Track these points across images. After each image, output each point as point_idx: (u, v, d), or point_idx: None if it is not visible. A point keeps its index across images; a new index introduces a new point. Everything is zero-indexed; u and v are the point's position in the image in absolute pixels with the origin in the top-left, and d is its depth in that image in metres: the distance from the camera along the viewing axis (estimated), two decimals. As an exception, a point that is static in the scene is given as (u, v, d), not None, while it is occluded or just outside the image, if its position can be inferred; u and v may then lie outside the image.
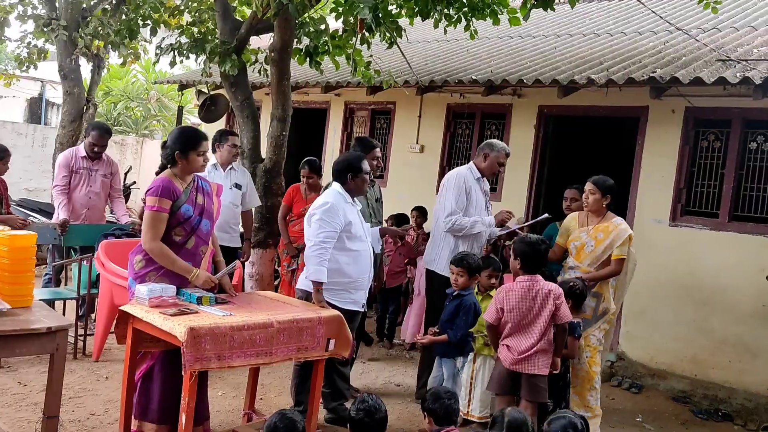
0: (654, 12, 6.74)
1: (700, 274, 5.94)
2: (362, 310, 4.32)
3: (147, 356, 3.72)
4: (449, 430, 3.20)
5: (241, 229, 5.89)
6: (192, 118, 17.92)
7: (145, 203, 3.65)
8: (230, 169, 5.66)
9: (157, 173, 3.85)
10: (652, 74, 5.64)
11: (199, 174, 3.81)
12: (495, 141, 5.27)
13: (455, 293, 4.41)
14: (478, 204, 5.01)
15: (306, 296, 4.18)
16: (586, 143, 8.03)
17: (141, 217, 3.84)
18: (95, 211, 6.21)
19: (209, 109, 9.75)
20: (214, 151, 5.55)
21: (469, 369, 4.58)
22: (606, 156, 7.93)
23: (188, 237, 3.66)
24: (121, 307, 3.51)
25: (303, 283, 4.27)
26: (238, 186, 5.66)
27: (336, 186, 4.25)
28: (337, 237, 4.04)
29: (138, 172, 12.15)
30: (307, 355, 3.64)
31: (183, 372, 3.12)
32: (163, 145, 3.88)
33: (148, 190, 3.61)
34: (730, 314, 5.74)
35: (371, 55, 6.58)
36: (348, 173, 4.23)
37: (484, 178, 5.11)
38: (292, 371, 4.41)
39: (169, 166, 3.72)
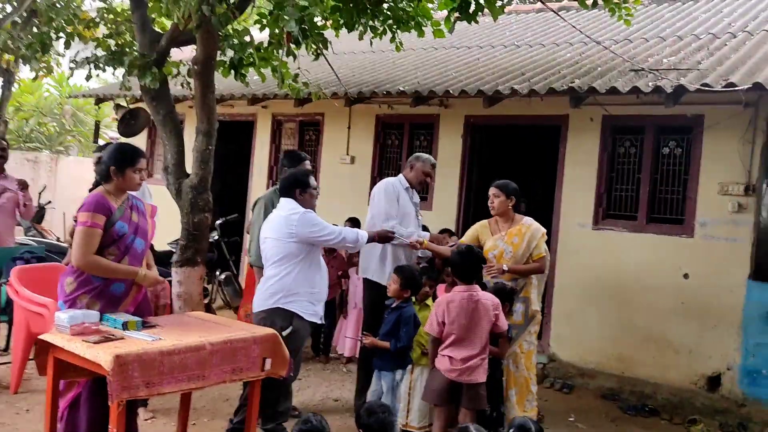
0: (572, 25, 6.99)
1: (622, 275, 6.18)
2: (320, 322, 4.37)
3: (73, 384, 3.55)
4: None
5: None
6: (110, 133, 17.30)
7: (76, 220, 3.50)
8: None
9: (90, 190, 3.72)
10: (571, 84, 5.84)
11: (132, 193, 3.70)
12: (422, 153, 5.37)
13: (394, 305, 4.40)
14: (408, 213, 5.04)
15: (267, 315, 4.14)
16: (512, 151, 8.24)
17: (71, 235, 3.66)
18: (3, 229, 5.89)
19: (129, 123, 9.42)
20: None
21: (407, 380, 4.58)
22: (531, 163, 8.17)
23: (122, 257, 3.54)
24: (41, 336, 3.31)
25: (259, 304, 4.22)
26: None
27: (290, 202, 4.24)
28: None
29: (53, 191, 11.61)
30: (242, 376, 3.53)
31: (109, 402, 2.97)
32: (98, 161, 3.76)
33: (80, 207, 3.48)
34: (652, 312, 6.00)
35: (299, 68, 6.52)
36: (296, 189, 4.25)
37: (413, 190, 5.16)
38: (227, 393, 4.28)
39: (102, 182, 3.60)
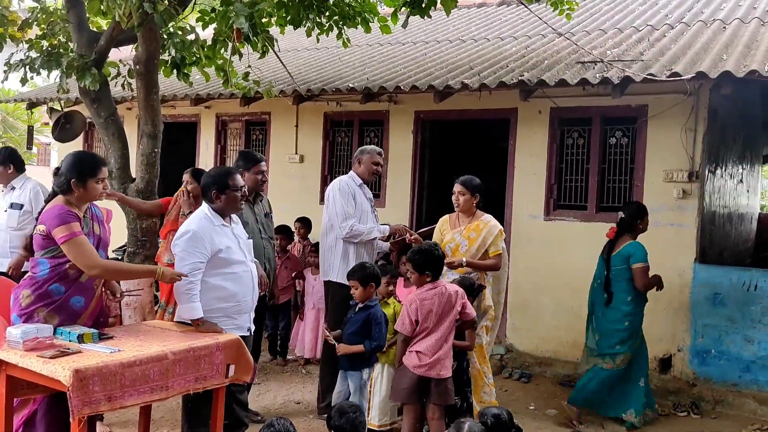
0: (528, 16, 7.07)
1: (574, 264, 6.29)
2: (248, 333, 3.99)
3: (28, 401, 3.38)
4: None
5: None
6: (44, 138, 16.61)
7: (44, 235, 3.32)
8: (10, 188, 5.51)
9: (47, 201, 3.52)
10: (521, 77, 5.91)
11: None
12: (366, 146, 5.32)
13: (360, 305, 4.35)
14: (364, 210, 5.01)
15: None
16: (463, 146, 8.30)
17: (25, 248, 3.49)
18: None
19: (63, 127, 9.00)
20: None
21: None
22: (483, 157, 8.25)
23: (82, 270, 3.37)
24: (-9, 354, 3.12)
25: (182, 315, 3.91)
26: (16, 206, 5.44)
27: (203, 207, 3.93)
28: (204, 266, 3.72)
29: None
30: (206, 384, 3.43)
31: (71, 418, 2.82)
32: (56, 171, 3.57)
33: (48, 223, 3.30)
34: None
35: (249, 66, 6.39)
36: (212, 190, 3.88)
37: (366, 185, 5.12)
38: (181, 404, 4.09)
39: (62, 194, 3.42)
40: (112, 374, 2.95)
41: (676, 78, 5.26)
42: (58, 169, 3.59)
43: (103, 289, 3.65)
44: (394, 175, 7.36)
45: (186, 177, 5.32)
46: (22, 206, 5.43)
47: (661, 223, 5.91)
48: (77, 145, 9.71)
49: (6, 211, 5.45)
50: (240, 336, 3.78)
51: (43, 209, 3.48)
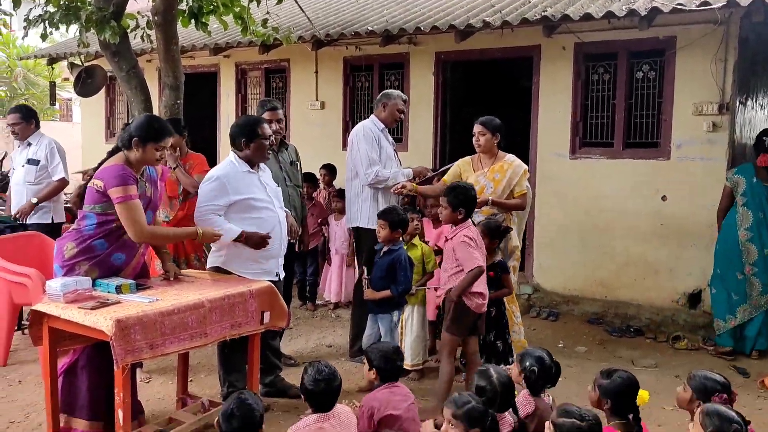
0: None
1: (601, 202, 6.26)
2: (277, 279, 4.04)
3: (67, 351, 3.48)
4: (395, 385, 3.22)
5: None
6: (65, 94, 16.68)
7: (99, 190, 3.34)
8: (26, 144, 5.67)
9: (110, 153, 3.54)
10: (543, 13, 5.75)
11: None
12: (390, 90, 5.25)
13: (385, 249, 4.38)
14: (389, 154, 5.00)
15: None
16: (486, 86, 8.16)
17: (78, 196, 3.54)
18: None
19: (85, 82, 9.05)
20: None
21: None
22: (506, 97, 8.11)
23: None
24: (34, 307, 3.23)
25: (212, 261, 4.02)
26: (33, 161, 5.61)
27: (231, 156, 4.00)
28: (222, 211, 3.81)
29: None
30: (242, 330, 3.51)
31: (115, 366, 2.93)
32: (124, 127, 3.58)
33: (106, 180, 3.32)
34: (631, 236, 6.12)
35: (267, 12, 6.30)
36: (241, 139, 3.93)
37: (387, 129, 5.10)
38: (216, 351, 4.21)
39: (124, 150, 3.44)
40: (152, 323, 3.03)
41: (705, 7, 5.08)
42: (127, 124, 3.59)
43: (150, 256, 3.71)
44: (416, 118, 7.29)
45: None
46: (38, 162, 5.60)
47: (690, 157, 5.82)
48: (99, 99, 9.76)
49: (23, 166, 5.63)
50: (269, 281, 3.87)
51: (101, 165, 3.46)
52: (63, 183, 5.77)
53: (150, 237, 3.48)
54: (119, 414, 3.01)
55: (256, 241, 3.83)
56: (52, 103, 10.99)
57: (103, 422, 3.44)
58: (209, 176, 3.92)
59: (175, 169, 4.93)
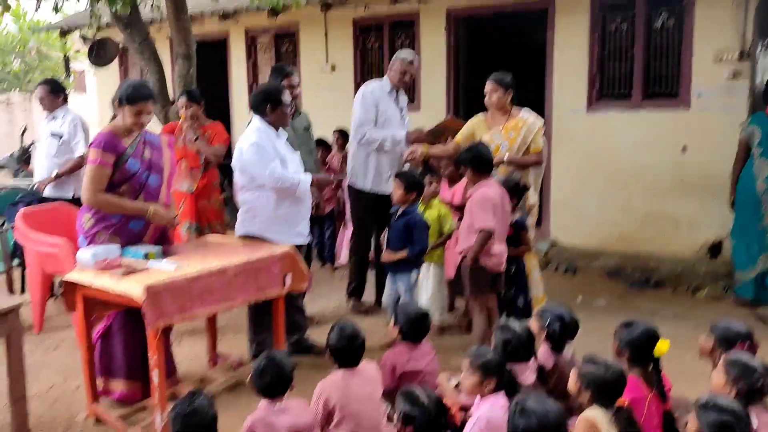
0: None
1: (619, 156, 6.22)
2: (306, 241, 4.22)
3: (102, 316, 3.60)
4: (424, 345, 3.30)
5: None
6: (78, 66, 16.69)
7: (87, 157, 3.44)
8: (52, 117, 5.66)
9: (112, 119, 3.63)
10: (557, -37, 5.64)
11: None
12: (400, 51, 5.23)
13: (399, 211, 4.41)
14: (391, 118, 5.01)
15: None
16: (499, 43, 8.05)
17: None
18: None
19: (98, 53, 9.11)
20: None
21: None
22: (520, 53, 8.01)
23: (136, 194, 3.49)
24: (66, 277, 3.33)
25: (241, 229, 4.11)
26: (56, 135, 5.61)
27: (257, 121, 4.06)
28: (279, 164, 3.93)
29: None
30: (266, 294, 3.61)
31: (147, 331, 3.03)
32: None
33: (91, 143, 3.42)
34: (651, 190, 6.09)
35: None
36: (266, 104, 4.01)
37: (400, 92, 5.13)
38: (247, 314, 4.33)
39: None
40: (181, 288, 3.12)
41: (726, -49, 4.95)
42: None
43: None
44: (428, 77, 7.24)
45: (182, 102, 5.20)
46: (61, 136, 5.63)
47: (711, 107, 5.74)
48: (113, 69, 9.78)
49: (47, 138, 5.69)
50: (300, 244, 4.03)
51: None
52: (83, 160, 5.82)
53: (100, 203, 3.42)
54: (154, 374, 3.13)
55: (324, 184, 4.21)
56: (67, 76, 11.04)
57: (140, 382, 3.57)
58: (246, 145, 3.94)
59: (196, 140, 4.99)
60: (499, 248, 4.00)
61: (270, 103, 4.01)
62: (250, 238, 4.01)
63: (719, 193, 5.75)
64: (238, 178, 4.07)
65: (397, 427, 2.47)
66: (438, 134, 5.03)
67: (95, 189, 3.39)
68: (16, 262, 5.56)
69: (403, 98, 5.18)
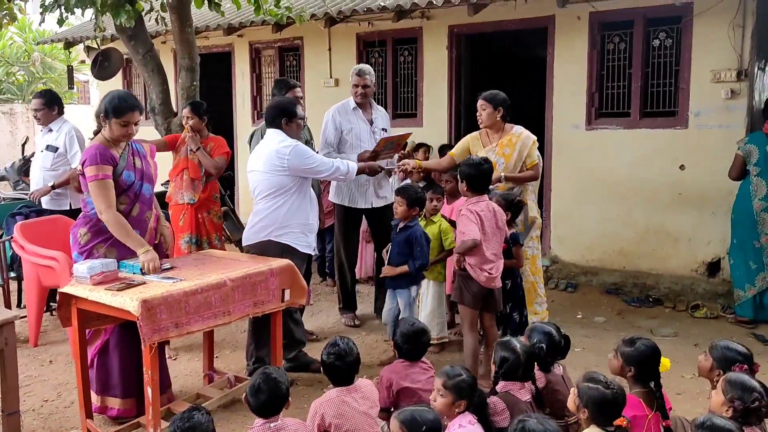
0: None
1: (618, 172, 6.23)
2: (315, 253, 4.37)
3: (100, 332, 3.60)
4: (420, 363, 3.29)
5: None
6: (82, 77, 16.80)
7: (82, 173, 3.44)
8: (47, 130, 5.71)
9: (93, 137, 3.61)
10: (557, -18, 5.68)
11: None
12: (354, 66, 5.38)
13: (401, 225, 4.42)
14: (360, 133, 5.12)
15: (258, 250, 4.07)
16: (500, 60, 8.10)
17: (76, 188, 3.61)
18: None
19: (102, 65, 9.13)
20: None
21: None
22: (521, 70, 8.05)
23: (132, 204, 3.52)
24: (62, 289, 3.33)
25: (248, 238, 4.15)
26: (51, 148, 5.65)
27: (274, 133, 4.09)
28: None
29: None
30: (264, 308, 3.59)
31: (142, 346, 3.02)
32: (100, 105, 3.63)
33: (83, 161, 3.41)
34: (650, 206, 6.10)
35: (278, -9, 6.30)
36: (282, 118, 4.08)
37: (371, 106, 5.29)
38: (247, 327, 4.32)
39: (102, 131, 3.52)
40: (177, 302, 3.12)
41: (724, -29, 4.99)
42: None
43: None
44: (431, 92, 7.27)
45: (186, 112, 5.23)
46: (57, 149, 5.64)
47: (708, 125, 5.76)
48: (117, 81, 9.83)
49: (42, 152, 5.71)
50: (307, 254, 4.15)
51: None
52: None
53: (112, 222, 3.39)
54: (148, 391, 3.12)
55: (374, 169, 4.55)
56: (71, 87, 11.10)
57: (136, 399, 3.56)
58: (284, 147, 3.98)
59: (196, 151, 5.01)
60: (492, 264, 3.97)
61: (285, 117, 4.09)
62: (258, 246, 4.05)
63: (717, 210, 5.77)
64: (261, 185, 4.06)
65: None
66: (389, 148, 4.96)
67: (108, 204, 3.38)
68: (12, 274, 5.55)
69: (377, 111, 5.32)
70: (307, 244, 4.17)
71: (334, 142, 5.12)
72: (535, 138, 4.72)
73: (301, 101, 4.96)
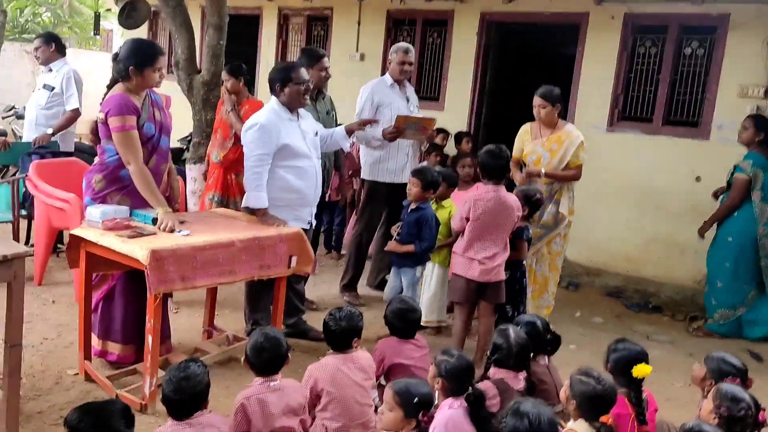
0: None
1: (634, 177, 6.21)
2: (307, 227, 4.16)
3: (107, 277, 3.64)
4: (414, 341, 3.32)
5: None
6: (107, 25, 16.76)
7: (103, 122, 3.43)
8: (47, 69, 5.84)
9: (109, 87, 3.59)
10: (595, -21, 5.63)
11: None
12: (396, 44, 5.31)
13: (413, 206, 4.43)
14: (398, 111, 5.06)
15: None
16: (528, 51, 8.03)
17: (93, 132, 3.62)
18: None
19: (129, 15, 9.14)
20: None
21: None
22: (547, 64, 7.99)
23: (150, 156, 3.52)
24: (73, 231, 3.37)
25: (248, 204, 4.07)
26: (48, 87, 5.76)
27: (272, 102, 4.04)
28: (271, 157, 3.87)
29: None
30: (270, 272, 3.63)
31: (148, 294, 3.07)
32: (115, 57, 3.58)
33: (107, 111, 3.39)
34: (661, 214, 6.09)
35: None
36: (277, 84, 3.97)
37: (406, 85, 5.24)
38: (245, 291, 4.34)
39: (121, 80, 3.49)
40: (185, 256, 3.16)
41: (765, -14, 4.93)
42: (116, 55, 3.58)
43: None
44: (456, 78, 7.24)
45: (223, 75, 5.31)
46: (53, 88, 5.74)
47: (729, 139, 5.71)
48: (142, 32, 9.82)
49: (39, 90, 5.81)
50: (300, 228, 3.96)
51: (105, 97, 3.52)
52: (75, 114, 5.86)
53: (139, 174, 3.39)
54: (149, 339, 3.17)
55: (268, 223, 3.82)
56: (96, 33, 11.09)
57: (135, 346, 3.62)
58: (251, 124, 3.92)
59: (229, 112, 5.03)
60: (486, 254, 3.97)
61: (278, 83, 3.96)
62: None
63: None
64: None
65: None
66: (412, 128, 4.91)
67: (137, 155, 3.38)
68: (23, 212, 5.61)
69: (409, 90, 5.29)
70: (295, 218, 4.02)
71: (369, 115, 5.06)
72: (583, 139, 4.77)
73: (328, 73, 4.93)
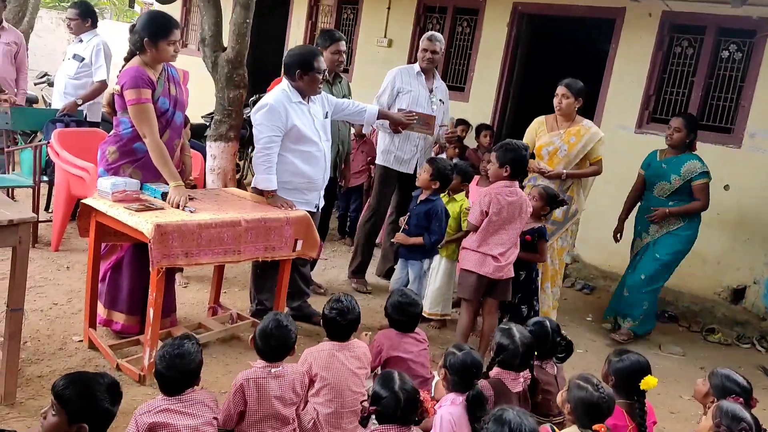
0: None
1: (659, 182, 6.04)
2: (314, 210, 4.14)
3: (116, 248, 3.66)
4: (414, 335, 3.28)
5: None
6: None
7: (119, 94, 3.44)
8: (78, 40, 5.93)
9: (126, 59, 3.59)
10: (633, -26, 5.47)
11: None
12: (428, 32, 5.28)
13: (422, 197, 4.37)
14: (418, 97, 5.06)
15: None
16: (559, 45, 7.87)
17: (109, 104, 3.62)
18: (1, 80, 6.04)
19: (166, -11, 9.20)
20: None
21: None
22: (577, 59, 7.82)
23: (163, 131, 3.52)
24: (84, 201, 3.39)
25: (257, 185, 4.05)
26: (77, 57, 5.84)
27: (283, 84, 3.98)
28: (280, 139, 3.84)
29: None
30: (275, 254, 3.62)
31: (150, 268, 3.07)
32: (131, 29, 3.58)
33: (123, 83, 3.40)
34: (684, 221, 5.91)
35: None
36: (297, 69, 3.88)
37: (434, 76, 5.22)
38: (251, 271, 4.34)
39: (138, 53, 3.49)
40: (191, 233, 3.15)
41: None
42: (133, 26, 3.58)
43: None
44: (483, 69, 7.12)
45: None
46: (83, 59, 5.82)
47: (762, 149, 5.54)
48: (176, 8, 9.87)
49: (69, 59, 5.89)
50: (307, 211, 3.95)
51: (122, 69, 3.51)
52: (103, 85, 5.92)
53: (155, 147, 3.39)
54: (150, 312, 3.18)
55: (276, 204, 3.80)
56: (131, 6, 11.17)
57: (140, 317, 3.64)
58: (261, 104, 3.89)
59: None
60: (501, 250, 3.90)
61: (300, 69, 3.88)
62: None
63: (753, 237, 5.59)
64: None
65: (363, 406, 2.46)
66: (418, 123, 4.85)
67: (152, 128, 3.38)
68: (45, 179, 5.68)
69: (438, 82, 5.25)
70: (304, 201, 4.01)
71: (387, 102, 5.10)
72: (603, 135, 4.75)
73: (342, 56, 4.87)
